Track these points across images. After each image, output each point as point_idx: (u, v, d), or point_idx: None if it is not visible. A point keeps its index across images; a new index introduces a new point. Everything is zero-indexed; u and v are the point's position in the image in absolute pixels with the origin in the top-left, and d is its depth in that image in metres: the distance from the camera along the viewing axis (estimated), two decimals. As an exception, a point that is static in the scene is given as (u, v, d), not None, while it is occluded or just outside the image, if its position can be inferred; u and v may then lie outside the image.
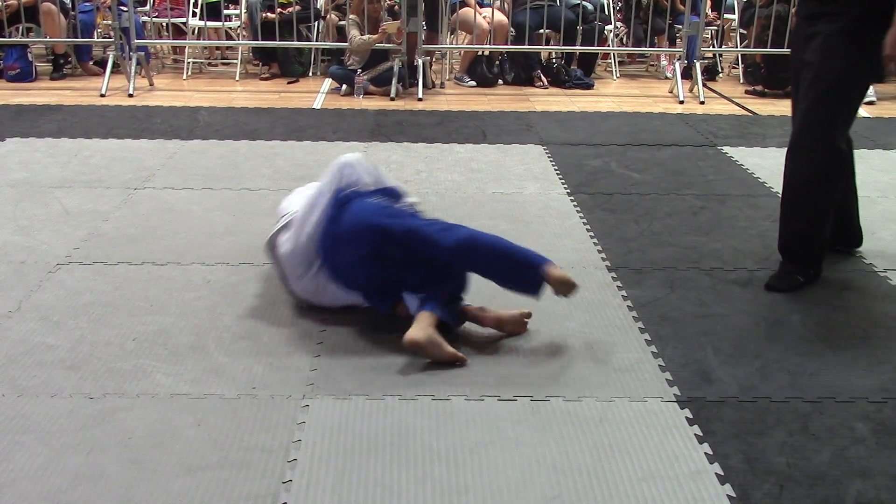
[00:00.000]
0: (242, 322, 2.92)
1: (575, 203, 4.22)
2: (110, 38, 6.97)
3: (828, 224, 3.28)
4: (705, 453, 2.24)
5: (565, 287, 2.75)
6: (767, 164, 4.94)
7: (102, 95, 6.51)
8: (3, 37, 7.07)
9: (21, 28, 7.22)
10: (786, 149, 3.26)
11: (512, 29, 7.33)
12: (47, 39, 7.24)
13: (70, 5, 7.27)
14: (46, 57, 7.71)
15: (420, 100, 6.59)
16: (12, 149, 4.96)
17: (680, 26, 7.45)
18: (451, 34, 7.72)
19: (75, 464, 2.14)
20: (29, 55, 7.24)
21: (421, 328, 2.65)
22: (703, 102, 6.67)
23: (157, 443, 2.24)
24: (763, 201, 4.31)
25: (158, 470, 2.13)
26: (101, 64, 7.13)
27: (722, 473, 2.16)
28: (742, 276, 3.39)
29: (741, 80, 7.62)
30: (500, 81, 7.38)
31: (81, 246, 3.55)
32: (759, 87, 7.20)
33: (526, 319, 2.89)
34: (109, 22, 7.27)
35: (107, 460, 2.16)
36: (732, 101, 6.84)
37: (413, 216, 2.93)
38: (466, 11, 7.36)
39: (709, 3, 7.40)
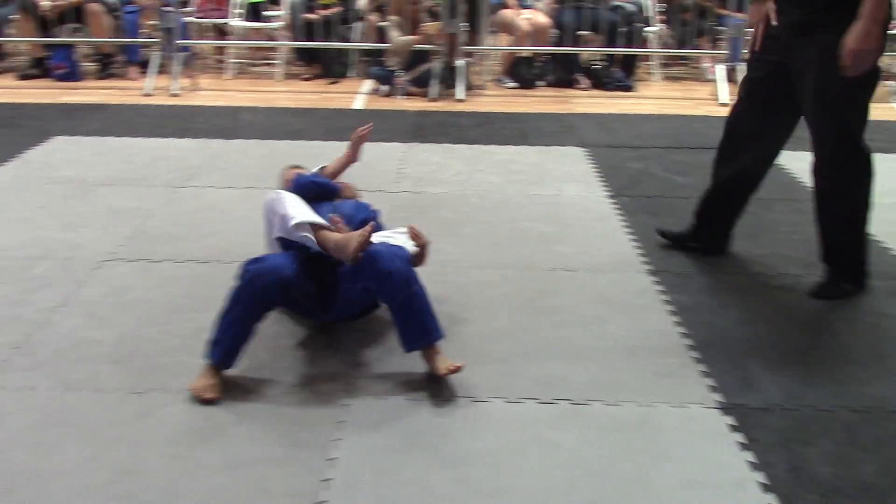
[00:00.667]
0: (283, 320, 2.93)
1: (616, 206, 4.20)
2: (155, 38, 7.05)
3: (867, 227, 3.22)
4: (748, 461, 2.21)
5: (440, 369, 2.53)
6: (812, 169, 4.87)
7: (147, 95, 6.59)
8: (51, 37, 7.19)
9: (68, 28, 7.34)
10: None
11: (553, 30, 7.31)
12: (93, 39, 7.35)
13: (116, 6, 7.37)
14: (93, 56, 7.82)
15: (460, 101, 6.59)
16: (59, 147, 5.05)
17: (723, 28, 7.36)
18: (492, 35, 7.70)
19: (119, 457, 2.17)
20: (75, 55, 7.36)
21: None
22: (746, 105, 6.59)
23: (199, 438, 2.27)
24: (808, 206, 4.20)
25: (200, 465, 2.15)
26: (146, 64, 7.22)
27: (766, 483, 2.13)
28: (787, 282, 3.34)
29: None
30: (541, 83, 7.36)
31: (126, 243, 3.60)
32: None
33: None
34: (154, 22, 7.36)
35: (150, 455, 2.19)
36: (776, 105, 6.74)
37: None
38: (507, 13, 7.35)
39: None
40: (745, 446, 2.28)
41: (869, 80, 3.02)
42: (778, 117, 3.27)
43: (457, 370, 2.51)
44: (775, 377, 2.63)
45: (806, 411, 2.45)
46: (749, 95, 3.36)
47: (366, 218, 2.92)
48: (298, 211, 2.67)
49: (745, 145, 3.38)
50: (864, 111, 3.09)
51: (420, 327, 2.55)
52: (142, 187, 4.34)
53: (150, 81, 6.73)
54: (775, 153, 3.41)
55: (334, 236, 2.57)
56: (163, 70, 6.94)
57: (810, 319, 3.04)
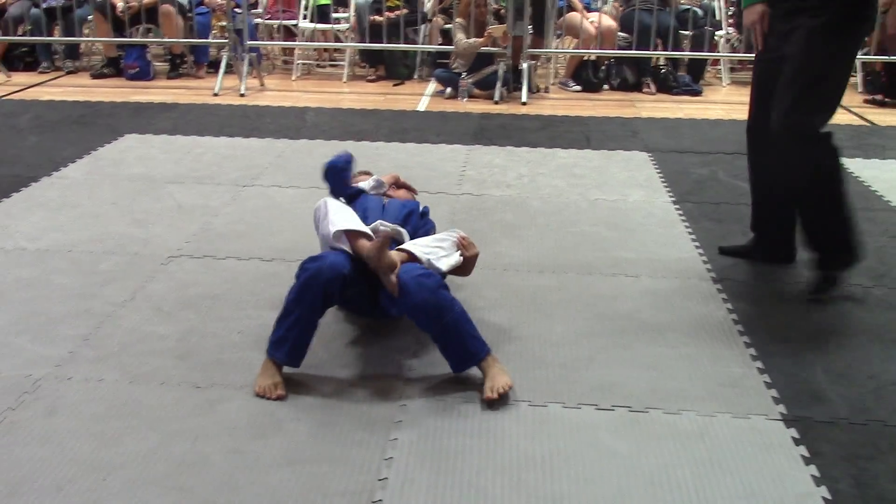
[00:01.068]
0: (343, 319, 2.96)
1: (680, 212, 4.14)
2: (225, 39, 7.19)
3: (847, 208, 3.21)
4: (812, 476, 2.16)
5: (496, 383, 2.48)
6: (886, 177, 4.74)
7: (215, 95, 6.71)
8: (125, 37, 7.38)
9: (141, 28, 7.52)
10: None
11: (620, 34, 7.24)
12: (165, 40, 7.51)
13: (188, 7, 7.53)
14: (164, 57, 8.00)
15: (524, 104, 6.57)
16: (130, 144, 5.17)
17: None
18: (558, 38, 7.67)
19: (181, 450, 2.22)
20: (147, 55, 7.54)
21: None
22: (817, 111, 6.44)
23: (258, 434, 2.30)
24: (881, 216, 4.13)
25: (259, 460, 2.18)
26: (215, 64, 7.36)
27: (830, 498, 2.08)
28: (856, 293, 3.26)
29: (859, 89, 7.33)
30: (606, 87, 7.30)
31: (192, 240, 3.67)
32: (878, 97, 6.91)
33: None
34: (224, 24, 7.49)
35: (211, 449, 2.23)
36: (849, 111, 6.58)
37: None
38: (573, 16, 7.30)
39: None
40: (808, 460, 2.22)
41: (845, 75, 3.13)
42: None
43: (503, 394, 2.47)
44: (842, 390, 2.57)
45: (874, 426, 2.39)
46: (760, 97, 3.34)
47: (410, 212, 2.94)
48: (340, 218, 2.72)
49: (768, 149, 3.33)
50: (834, 102, 3.14)
51: (462, 352, 2.54)
52: (208, 185, 4.42)
53: (219, 81, 6.86)
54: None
55: (365, 246, 2.59)
56: (231, 70, 7.07)
57: (880, 331, 2.96)
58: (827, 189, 3.17)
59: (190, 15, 7.55)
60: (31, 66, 7.71)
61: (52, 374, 2.58)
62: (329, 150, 5.15)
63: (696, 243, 3.73)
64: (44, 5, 7.47)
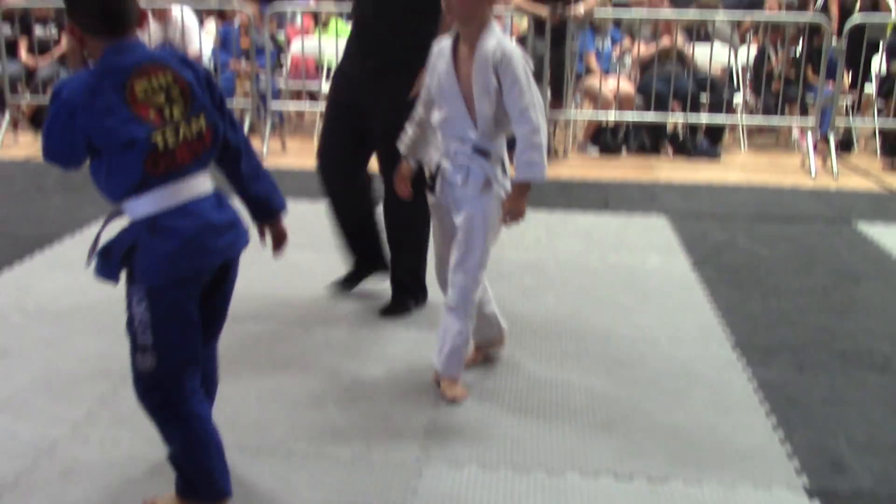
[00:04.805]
0: (360, 386, 2.95)
1: (699, 277, 4.12)
2: (248, 101, 7.31)
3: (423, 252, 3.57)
4: (836, 550, 2.11)
5: None
6: (906, 243, 4.72)
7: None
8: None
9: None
10: None
11: (638, 98, 7.31)
12: (190, 102, 7.64)
13: (213, 71, 7.68)
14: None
15: (542, 167, 6.61)
16: (153, 205, 5.23)
17: (812, 97, 7.26)
18: (576, 103, 7.75)
19: (195, 516, 2.20)
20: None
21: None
22: (836, 177, 6.44)
23: (271, 499, 2.28)
24: (901, 282, 4.10)
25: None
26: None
27: (854, 573, 2.03)
28: (878, 361, 3.22)
29: (878, 155, 7.33)
30: (624, 150, 7.35)
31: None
32: (897, 162, 6.91)
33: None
34: (248, 86, 7.63)
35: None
36: (869, 177, 6.58)
37: None
38: (592, 80, 7.39)
39: (844, 73, 7.20)
40: (832, 534, 2.18)
41: None
42: (357, 151, 3.54)
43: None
44: (866, 460, 2.52)
45: (899, 499, 2.34)
46: (332, 132, 3.56)
47: None
48: None
49: (341, 181, 3.60)
50: None
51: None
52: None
53: (242, 143, 6.95)
54: (368, 183, 3.67)
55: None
56: (254, 132, 7.17)
57: (904, 401, 2.92)
58: (419, 232, 3.50)
59: (215, 78, 7.69)
60: (58, 127, 7.85)
61: (68, 434, 2.58)
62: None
63: (716, 309, 3.71)
64: (73, 68, 7.64)
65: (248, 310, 3.59)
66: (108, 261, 2.05)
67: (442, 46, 2.81)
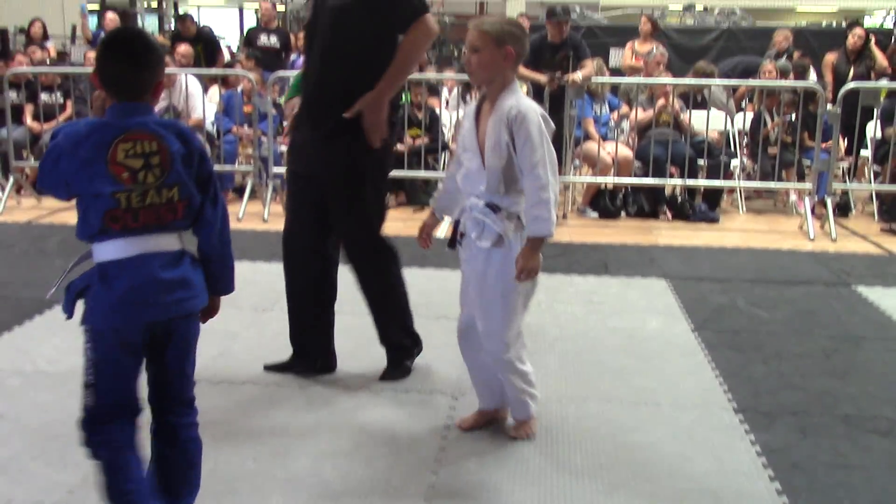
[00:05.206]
0: (359, 449, 2.92)
1: (699, 340, 4.11)
2: (250, 166, 7.38)
3: (404, 307, 3.62)
4: None
5: None
6: (906, 306, 4.71)
7: (239, 219, 6.85)
8: (154, 163, 7.59)
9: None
10: None
11: (637, 162, 7.38)
12: (193, 166, 7.71)
13: (216, 136, 7.77)
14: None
15: (542, 230, 6.64)
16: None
17: (809, 161, 7.33)
18: (575, 167, 7.82)
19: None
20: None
21: None
22: (835, 240, 6.47)
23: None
24: (903, 345, 4.09)
25: None
26: (240, 190, 7.53)
27: None
28: (881, 426, 3.20)
29: (876, 218, 7.38)
30: (623, 214, 7.39)
31: (210, 364, 3.67)
32: (895, 226, 6.94)
33: None
34: (250, 151, 7.71)
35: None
36: (867, 240, 6.61)
37: None
38: (590, 145, 7.47)
39: (840, 138, 7.29)
40: None
41: (381, 181, 3.45)
42: (321, 224, 3.47)
43: None
44: (872, 528, 2.49)
45: (906, 567, 2.30)
46: (294, 208, 3.54)
47: None
48: None
49: (307, 256, 3.52)
50: (382, 207, 3.52)
51: None
52: (230, 309, 4.41)
53: (244, 206, 7.00)
54: (332, 264, 3.58)
55: None
56: (255, 196, 7.22)
57: (908, 466, 2.89)
58: (393, 290, 3.53)
59: (218, 143, 7.78)
60: (61, 191, 7.91)
61: (64, 500, 2.55)
62: (348, 275, 5.20)
63: (717, 372, 3.69)
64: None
65: (247, 373, 3.58)
66: (68, 296, 2.19)
67: (471, 105, 2.97)
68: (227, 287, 2.35)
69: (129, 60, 2.13)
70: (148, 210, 2.12)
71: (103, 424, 2.19)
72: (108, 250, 2.12)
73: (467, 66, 2.85)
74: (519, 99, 2.78)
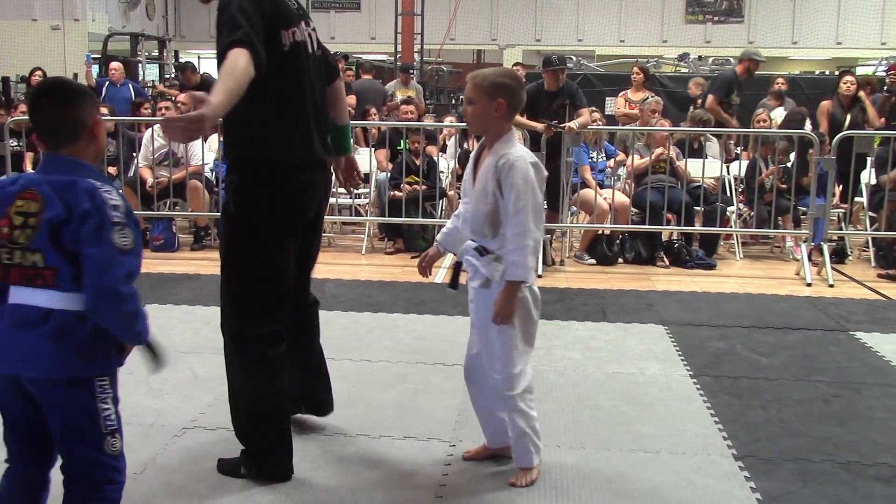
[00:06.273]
0: (355, 494, 2.89)
1: (698, 386, 4.10)
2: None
3: (265, 421, 3.01)
4: None
5: None
6: (905, 352, 4.70)
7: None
8: (153, 210, 7.62)
9: (169, 202, 7.78)
10: None
11: (633, 209, 7.42)
12: (191, 213, 7.75)
13: (214, 183, 7.81)
14: (189, 229, 8.23)
15: (539, 276, 6.65)
16: (151, 315, 5.21)
17: (804, 208, 7.37)
18: (572, 214, 7.86)
19: None
20: (174, 227, 7.76)
21: None
22: (832, 286, 6.48)
23: None
24: (902, 391, 4.07)
25: None
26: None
27: None
28: (883, 472, 3.17)
29: (872, 264, 7.39)
30: (621, 260, 7.40)
31: (207, 411, 3.65)
32: (893, 272, 6.95)
33: None
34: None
35: None
36: (864, 285, 6.61)
37: None
38: (587, 192, 7.51)
39: (835, 185, 7.33)
40: None
41: (263, 257, 2.95)
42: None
43: None
44: (875, 577, 2.46)
45: None
46: None
47: None
48: None
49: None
50: (246, 296, 2.96)
51: None
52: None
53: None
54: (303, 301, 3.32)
55: None
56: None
57: (911, 514, 2.86)
58: (254, 395, 2.99)
59: (216, 189, 7.82)
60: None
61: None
62: (347, 321, 5.20)
63: (716, 418, 3.67)
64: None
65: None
66: None
67: (473, 153, 3.06)
68: (126, 338, 2.25)
69: (42, 113, 2.17)
70: (16, 269, 2.12)
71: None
72: None
73: (465, 117, 2.98)
74: (512, 148, 2.88)
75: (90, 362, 2.16)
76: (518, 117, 6.99)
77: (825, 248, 6.81)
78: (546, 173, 2.89)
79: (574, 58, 14.91)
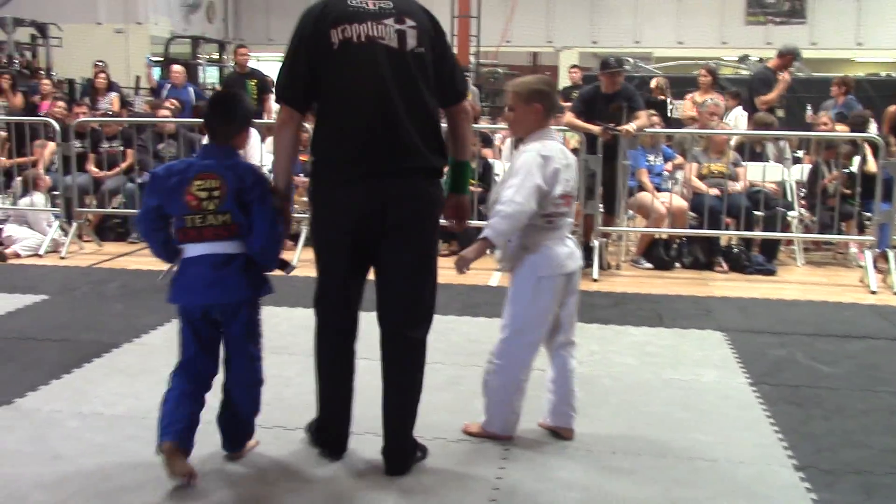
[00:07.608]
0: (408, 496, 2.90)
1: (757, 394, 4.02)
2: (306, 213, 7.48)
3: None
4: None
5: None
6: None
7: (294, 266, 6.90)
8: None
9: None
10: None
11: (691, 213, 7.32)
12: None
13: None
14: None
15: (595, 280, 6.60)
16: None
17: (869, 213, 7.19)
18: (629, 218, 7.78)
19: None
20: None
21: None
22: (898, 293, 6.32)
23: None
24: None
25: None
26: (296, 237, 7.63)
27: None
28: (950, 487, 3.08)
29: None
30: (678, 265, 7.31)
31: (263, 410, 3.67)
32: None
33: None
34: (305, 199, 7.82)
35: None
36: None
37: None
38: (644, 196, 7.43)
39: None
40: None
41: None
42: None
43: None
44: None
45: None
46: None
47: None
48: None
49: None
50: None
51: None
52: (283, 355, 4.48)
53: (298, 254, 7.08)
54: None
55: None
56: (310, 243, 7.29)
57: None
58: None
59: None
60: (121, 237, 8.08)
61: (116, 543, 2.56)
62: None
63: (776, 428, 3.60)
64: (139, 180, 7.92)
65: (300, 419, 3.58)
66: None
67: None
68: (273, 266, 3.20)
69: (218, 115, 3.07)
70: (209, 229, 2.96)
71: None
72: (185, 251, 3.01)
73: (507, 122, 3.41)
74: (535, 142, 3.20)
75: (258, 289, 3.13)
76: (575, 120, 6.98)
77: (891, 254, 6.64)
78: (558, 167, 3.15)
79: (631, 60, 14.76)
